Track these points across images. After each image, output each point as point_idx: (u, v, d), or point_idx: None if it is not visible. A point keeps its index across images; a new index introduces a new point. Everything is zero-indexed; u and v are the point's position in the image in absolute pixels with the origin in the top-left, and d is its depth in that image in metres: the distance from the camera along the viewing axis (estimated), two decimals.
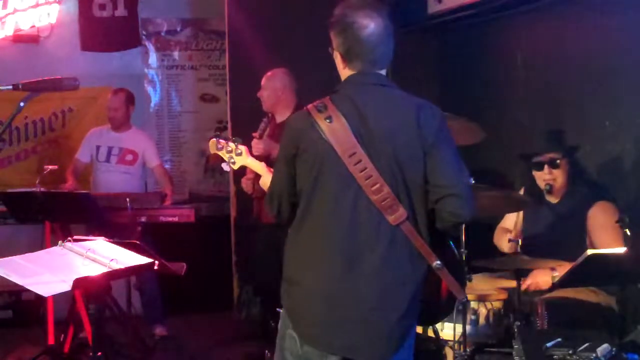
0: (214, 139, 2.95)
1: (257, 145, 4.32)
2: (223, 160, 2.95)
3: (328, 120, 2.32)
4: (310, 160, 2.34)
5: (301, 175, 2.38)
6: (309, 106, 2.40)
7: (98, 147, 5.45)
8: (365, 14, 2.38)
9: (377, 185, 2.29)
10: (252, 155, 2.94)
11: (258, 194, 4.52)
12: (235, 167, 2.91)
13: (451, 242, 2.59)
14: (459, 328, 3.46)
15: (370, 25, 2.38)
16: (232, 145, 2.90)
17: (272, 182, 2.52)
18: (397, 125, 2.33)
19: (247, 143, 4.26)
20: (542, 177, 3.82)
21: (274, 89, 4.61)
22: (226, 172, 3.03)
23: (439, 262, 2.36)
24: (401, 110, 2.36)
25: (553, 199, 3.86)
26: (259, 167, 2.89)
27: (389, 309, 2.33)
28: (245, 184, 4.54)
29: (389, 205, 2.29)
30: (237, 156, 2.88)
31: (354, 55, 2.41)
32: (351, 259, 2.31)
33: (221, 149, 2.92)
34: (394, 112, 2.36)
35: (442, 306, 2.62)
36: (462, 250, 3.47)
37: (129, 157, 5.45)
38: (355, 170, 2.29)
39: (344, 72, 2.48)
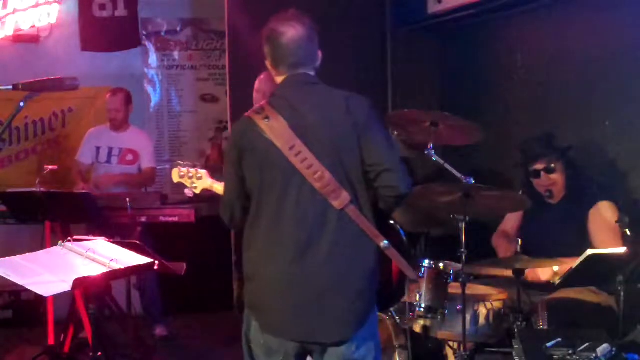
0: (175, 168, 3.05)
1: None
2: (185, 187, 3.06)
3: (266, 120, 2.49)
4: (255, 159, 2.51)
5: (249, 176, 2.53)
6: (249, 112, 2.58)
7: (98, 148, 5.44)
8: (285, 24, 2.58)
9: (319, 173, 2.44)
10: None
11: None
12: (197, 191, 3.03)
13: (399, 227, 2.71)
14: (459, 328, 3.46)
15: (288, 32, 2.57)
16: (192, 171, 3.02)
17: (224, 190, 2.66)
18: (329, 115, 2.50)
19: None
20: (540, 184, 3.83)
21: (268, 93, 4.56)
22: (198, 192, 3.17)
23: (386, 242, 2.51)
24: (331, 102, 2.53)
25: (553, 200, 3.86)
26: (220, 189, 2.97)
27: (343, 291, 2.45)
28: None
29: (332, 190, 2.44)
30: (198, 180, 3.01)
31: (277, 61, 2.61)
32: (302, 247, 2.44)
33: (183, 176, 3.03)
34: (325, 104, 2.54)
35: (395, 288, 2.79)
36: (462, 250, 3.46)
37: (130, 157, 5.45)
38: (296, 162, 2.44)
39: (276, 79, 2.66)
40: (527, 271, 3.60)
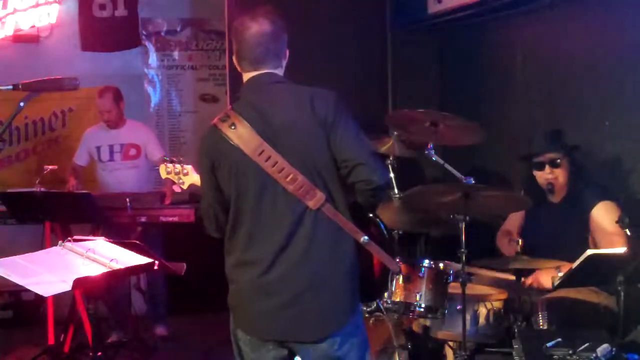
0: (163, 164, 3.07)
1: None
2: (174, 183, 3.09)
3: (233, 127, 2.48)
4: (227, 168, 2.50)
5: (224, 185, 2.52)
6: (215, 120, 2.56)
7: (98, 148, 5.41)
8: (250, 18, 2.57)
9: (291, 176, 2.43)
10: None
11: None
12: (185, 186, 3.05)
13: (379, 221, 2.71)
14: (459, 328, 3.46)
15: (252, 27, 2.55)
16: (178, 167, 3.04)
17: (202, 200, 2.64)
18: (295, 115, 2.49)
19: None
20: (543, 177, 3.82)
21: None
22: (185, 188, 3.21)
23: (366, 237, 2.50)
24: (296, 101, 2.51)
25: (554, 199, 3.86)
26: None
27: (321, 290, 2.46)
28: None
29: (306, 191, 2.44)
30: (184, 176, 3.02)
31: (240, 56, 2.60)
32: (279, 250, 2.45)
33: (170, 172, 3.05)
34: (290, 104, 2.51)
35: (377, 281, 2.72)
36: (462, 250, 3.46)
37: (133, 151, 5.42)
38: (267, 166, 2.44)
39: (243, 76, 2.65)
40: (529, 278, 3.60)
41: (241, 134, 2.46)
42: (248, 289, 2.52)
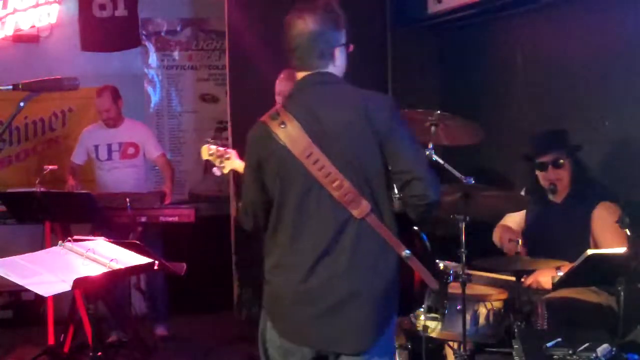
0: (206, 145, 3.04)
1: None
2: (214, 165, 3.04)
3: (282, 126, 2.39)
4: (273, 166, 2.42)
5: (268, 183, 2.44)
6: (264, 116, 2.47)
7: (97, 147, 5.41)
8: (297, 15, 2.44)
9: (338, 182, 2.35)
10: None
11: None
12: (225, 170, 3.00)
13: (423, 234, 2.65)
14: (459, 328, 3.46)
15: (298, 25, 2.43)
16: (221, 150, 2.99)
17: (243, 194, 2.57)
18: (347, 119, 2.39)
19: None
20: (546, 178, 3.82)
21: None
22: (226, 172, 3.13)
23: (407, 251, 2.42)
24: (349, 105, 2.41)
25: (556, 199, 3.85)
26: None
27: (362, 301, 2.38)
28: None
29: (351, 199, 2.35)
30: (226, 160, 2.97)
31: (289, 53, 2.49)
32: (320, 257, 2.37)
33: (212, 154, 3.01)
34: (343, 107, 2.41)
35: (415, 296, 2.67)
36: (462, 250, 3.46)
37: (131, 150, 5.42)
38: (314, 170, 2.35)
39: (296, 75, 2.54)
40: (529, 278, 3.60)
41: (290, 134, 2.37)
42: (287, 295, 2.43)
